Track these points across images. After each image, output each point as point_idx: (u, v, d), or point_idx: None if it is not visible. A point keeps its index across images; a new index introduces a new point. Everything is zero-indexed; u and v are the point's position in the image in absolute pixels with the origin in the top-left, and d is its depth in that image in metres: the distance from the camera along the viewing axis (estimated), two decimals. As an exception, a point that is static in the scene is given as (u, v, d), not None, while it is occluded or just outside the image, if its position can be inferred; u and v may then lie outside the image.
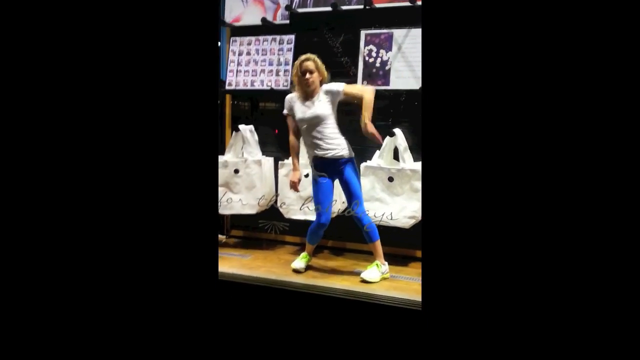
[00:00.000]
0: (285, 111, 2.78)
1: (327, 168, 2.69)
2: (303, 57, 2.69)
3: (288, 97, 2.78)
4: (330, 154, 2.66)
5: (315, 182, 2.73)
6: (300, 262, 2.82)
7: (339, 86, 2.65)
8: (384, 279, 2.67)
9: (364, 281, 2.61)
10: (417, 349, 2.12)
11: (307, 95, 2.68)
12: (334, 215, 2.99)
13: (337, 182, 2.78)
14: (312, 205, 2.85)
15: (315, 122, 2.64)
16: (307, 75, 2.63)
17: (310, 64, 2.64)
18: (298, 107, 2.70)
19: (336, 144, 2.67)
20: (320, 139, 2.66)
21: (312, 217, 2.92)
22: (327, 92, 2.66)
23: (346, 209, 2.99)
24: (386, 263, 2.72)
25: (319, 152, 2.67)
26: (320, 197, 2.71)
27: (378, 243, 2.70)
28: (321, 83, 2.69)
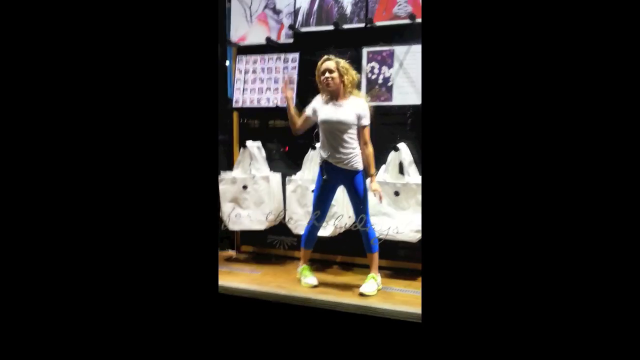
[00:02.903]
0: (307, 111, 2.79)
1: (334, 175, 2.71)
2: (324, 57, 2.71)
3: (316, 99, 2.78)
4: (343, 163, 2.68)
5: (318, 188, 2.77)
6: (311, 277, 2.85)
7: (367, 119, 2.67)
8: (378, 290, 2.74)
9: (362, 295, 2.65)
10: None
11: (332, 96, 2.69)
12: (342, 230, 3.06)
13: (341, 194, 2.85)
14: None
15: (338, 127, 2.64)
16: (327, 74, 2.64)
17: (329, 64, 2.65)
18: (322, 108, 2.70)
19: (352, 155, 2.68)
20: (337, 146, 2.66)
21: (321, 232, 2.96)
22: (359, 110, 2.66)
23: (354, 222, 3.03)
24: (379, 275, 2.78)
25: (332, 160, 2.69)
26: (318, 203, 2.79)
27: (376, 255, 2.77)
28: (347, 85, 2.67)
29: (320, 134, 2.74)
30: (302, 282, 2.85)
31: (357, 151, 2.70)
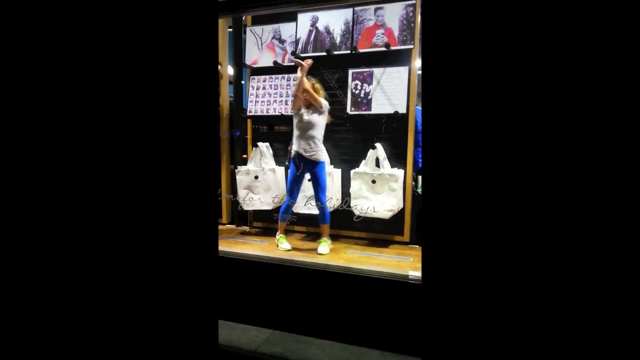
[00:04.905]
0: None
1: (303, 164, 3.45)
2: (311, 79, 3.52)
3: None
4: (310, 155, 3.43)
5: (291, 175, 3.50)
6: (286, 243, 3.58)
7: (323, 109, 3.48)
8: (331, 250, 3.46)
9: (320, 254, 3.35)
10: (408, 319, 2.53)
11: (307, 105, 3.49)
12: (331, 209, 3.71)
13: (331, 181, 3.56)
14: (314, 202, 3.59)
15: (308, 126, 3.42)
16: (305, 94, 3.46)
17: (307, 84, 3.47)
18: (304, 113, 3.49)
19: (317, 149, 3.46)
20: (307, 141, 3.42)
21: (315, 211, 3.66)
22: (322, 107, 3.46)
23: (341, 204, 3.74)
24: (329, 239, 3.50)
25: (303, 152, 3.43)
26: (292, 187, 3.53)
27: (327, 226, 3.51)
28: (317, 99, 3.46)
29: (295, 132, 3.47)
30: (279, 247, 3.53)
31: (321, 147, 3.48)
